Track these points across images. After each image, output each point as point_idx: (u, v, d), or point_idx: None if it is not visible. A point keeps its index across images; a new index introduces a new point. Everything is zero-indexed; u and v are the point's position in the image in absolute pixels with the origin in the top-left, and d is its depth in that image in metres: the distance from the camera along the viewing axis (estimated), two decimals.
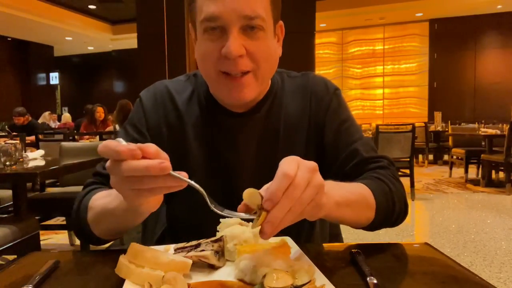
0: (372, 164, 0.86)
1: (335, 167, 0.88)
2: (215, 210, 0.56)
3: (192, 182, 0.55)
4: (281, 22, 0.83)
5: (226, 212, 0.56)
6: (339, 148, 0.88)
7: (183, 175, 0.54)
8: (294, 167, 0.52)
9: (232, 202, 0.67)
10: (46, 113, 8.98)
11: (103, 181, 0.85)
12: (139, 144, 0.53)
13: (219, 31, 0.74)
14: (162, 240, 1.02)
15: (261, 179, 0.85)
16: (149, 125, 0.88)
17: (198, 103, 0.89)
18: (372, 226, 0.78)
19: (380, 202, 0.76)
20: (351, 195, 0.70)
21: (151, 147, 0.54)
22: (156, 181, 0.53)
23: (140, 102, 0.91)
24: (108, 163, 0.54)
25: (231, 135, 0.87)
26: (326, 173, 0.71)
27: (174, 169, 0.86)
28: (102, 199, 0.74)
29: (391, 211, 0.79)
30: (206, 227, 0.81)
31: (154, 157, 0.53)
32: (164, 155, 0.55)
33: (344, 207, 0.66)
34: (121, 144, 0.53)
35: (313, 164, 0.55)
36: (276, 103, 0.90)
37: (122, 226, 0.73)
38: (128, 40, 11.11)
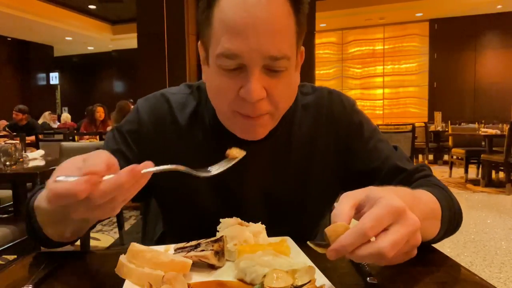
0: (417, 175, 0.81)
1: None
2: (204, 175, 0.53)
3: (163, 167, 0.51)
4: (302, 49, 0.75)
5: (214, 169, 0.54)
6: (375, 169, 0.82)
7: (148, 166, 0.49)
8: (378, 224, 0.47)
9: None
10: (46, 113, 8.97)
11: None
12: (85, 168, 0.47)
13: (237, 69, 0.65)
14: (162, 240, 1.02)
15: (270, 207, 0.81)
16: (141, 140, 0.81)
17: (202, 123, 0.81)
18: (434, 241, 0.70)
19: (445, 214, 0.68)
20: (423, 214, 0.59)
21: (97, 165, 0.47)
22: (132, 189, 0.48)
23: (137, 112, 0.83)
24: (66, 204, 0.47)
25: (238, 163, 0.79)
26: None
27: (174, 194, 0.82)
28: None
29: (453, 222, 0.72)
30: (204, 231, 0.79)
31: (107, 172, 0.48)
32: (113, 159, 0.50)
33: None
34: (71, 183, 0.45)
35: (414, 223, 0.49)
36: (287, 126, 0.82)
37: (71, 230, 0.66)
38: (128, 40, 11.10)
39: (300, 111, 0.84)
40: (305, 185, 0.83)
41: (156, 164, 0.79)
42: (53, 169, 0.95)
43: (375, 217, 0.47)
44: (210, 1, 0.67)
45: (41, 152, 3.03)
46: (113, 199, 0.48)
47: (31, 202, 0.70)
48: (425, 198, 0.65)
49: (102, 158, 0.49)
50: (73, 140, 4.62)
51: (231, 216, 0.79)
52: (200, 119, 0.81)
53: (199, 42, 0.74)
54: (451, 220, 0.71)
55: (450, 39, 10.54)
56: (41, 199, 0.63)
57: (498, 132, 5.84)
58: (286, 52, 0.65)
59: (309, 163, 0.83)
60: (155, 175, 0.80)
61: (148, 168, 0.49)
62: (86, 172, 0.46)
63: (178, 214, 0.86)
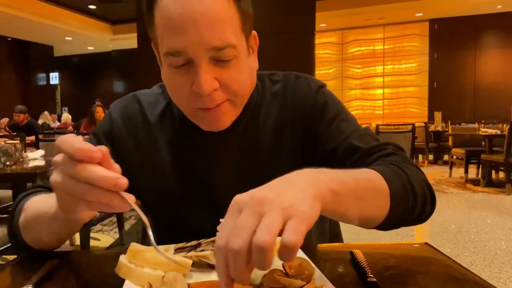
0: (375, 154, 0.73)
1: None
2: (155, 246, 0.49)
3: (138, 209, 0.50)
4: (254, 33, 0.75)
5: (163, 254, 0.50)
6: (333, 150, 0.77)
7: (130, 198, 0.49)
8: (225, 232, 0.41)
9: (216, 222, 0.66)
10: (46, 113, 8.99)
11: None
12: (100, 146, 0.48)
13: (186, 65, 0.66)
14: (160, 240, 1.02)
15: None
16: (115, 140, 0.83)
17: (172, 119, 0.82)
18: (391, 220, 0.61)
19: (394, 185, 0.60)
20: (352, 179, 0.54)
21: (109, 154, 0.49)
22: (102, 195, 0.48)
23: (109, 116, 0.85)
24: (58, 157, 0.49)
25: (208, 153, 0.81)
26: None
27: (150, 193, 0.83)
28: (40, 202, 0.69)
29: (411, 196, 0.64)
30: (183, 225, 0.80)
31: (110, 166, 0.49)
32: (117, 167, 0.51)
33: (345, 196, 0.51)
34: (81, 141, 0.47)
35: (256, 195, 0.44)
36: (255, 115, 0.82)
37: (51, 235, 0.67)
38: (128, 40, 11.11)
39: (268, 99, 0.83)
40: (274, 172, 0.82)
41: (132, 164, 0.81)
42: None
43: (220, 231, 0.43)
44: (151, 2, 0.67)
45: (41, 152, 3.03)
46: (86, 190, 0.47)
47: (22, 203, 0.72)
48: (356, 174, 0.58)
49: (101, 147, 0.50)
50: None
51: (205, 209, 0.80)
52: (170, 116, 0.83)
53: (152, 44, 0.74)
54: (407, 199, 0.63)
55: (450, 39, 10.54)
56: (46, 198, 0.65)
57: (498, 132, 5.85)
58: (230, 41, 0.65)
59: (278, 150, 0.81)
60: (132, 169, 0.82)
61: (126, 196, 0.49)
62: (97, 148, 0.48)
63: (155, 212, 0.87)
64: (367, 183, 0.58)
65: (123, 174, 0.81)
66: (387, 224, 0.62)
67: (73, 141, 0.47)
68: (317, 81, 0.85)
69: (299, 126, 0.81)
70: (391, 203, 0.60)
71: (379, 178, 0.60)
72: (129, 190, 0.86)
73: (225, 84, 0.68)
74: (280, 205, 0.41)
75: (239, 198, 0.45)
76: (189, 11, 0.63)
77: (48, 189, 0.78)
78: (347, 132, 0.78)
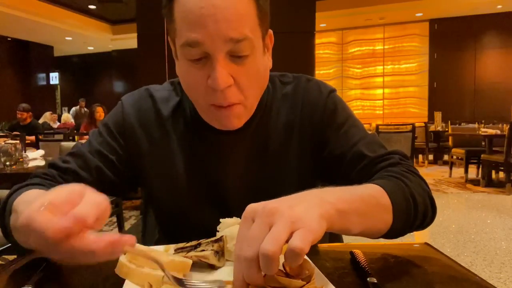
0: (381, 164, 0.76)
1: (340, 176, 0.79)
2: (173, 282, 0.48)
3: (154, 258, 0.47)
4: (270, 32, 0.76)
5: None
6: (341, 155, 0.79)
7: (132, 241, 0.44)
8: (242, 243, 0.45)
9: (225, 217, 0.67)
10: (48, 113, 8.99)
11: (56, 176, 0.78)
12: (77, 211, 0.42)
13: (203, 59, 0.67)
14: (162, 240, 1.02)
15: (251, 196, 0.84)
16: (126, 132, 0.82)
17: (184, 116, 0.83)
18: (393, 232, 0.65)
19: (396, 200, 0.63)
20: (357, 197, 0.58)
21: (89, 214, 0.42)
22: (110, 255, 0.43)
23: (121, 106, 0.84)
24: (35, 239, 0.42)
25: (219, 152, 0.81)
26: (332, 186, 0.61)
27: (160, 187, 0.83)
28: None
29: (413, 209, 0.67)
30: (191, 225, 0.80)
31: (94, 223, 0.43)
32: (106, 205, 0.45)
33: (350, 214, 0.54)
34: (52, 222, 0.41)
35: (266, 208, 0.46)
36: (266, 115, 0.83)
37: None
38: (128, 40, 11.10)
39: (279, 100, 0.84)
40: (284, 172, 0.83)
41: (143, 157, 0.81)
42: None
43: (238, 239, 0.47)
44: None
45: (41, 152, 3.04)
46: (86, 255, 0.43)
47: (12, 199, 0.66)
48: (359, 190, 0.61)
49: (96, 204, 0.45)
50: (73, 140, 4.63)
51: (214, 208, 0.82)
52: (182, 111, 0.83)
53: (168, 37, 0.75)
54: (409, 211, 0.66)
55: (450, 39, 10.55)
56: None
57: (498, 132, 5.84)
58: (247, 34, 0.66)
59: (287, 150, 0.82)
60: (144, 162, 0.82)
61: (131, 245, 0.45)
62: (76, 217, 0.41)
63: (165, 206, 0.87)
64: (371, 200, 0.61)
65: (134, 165, 0.82)
66: (389, 235, 0.66)
67: (41, 228, 0.41)
68: (327, 86, 0.86)
69: (308, 129, 0.83)
70: (394, 217, 0.63)
71: (383, 193, 0.63)
72: (141, 183, 0.88)
73: (239, 82, 0.69)
74: (289, 218, 0.45)
75: (252, 207, 0.48)
76: (210, 6, 0.63)
77: (49, 179, 0.77)
78: (356, 139, 0.80)
